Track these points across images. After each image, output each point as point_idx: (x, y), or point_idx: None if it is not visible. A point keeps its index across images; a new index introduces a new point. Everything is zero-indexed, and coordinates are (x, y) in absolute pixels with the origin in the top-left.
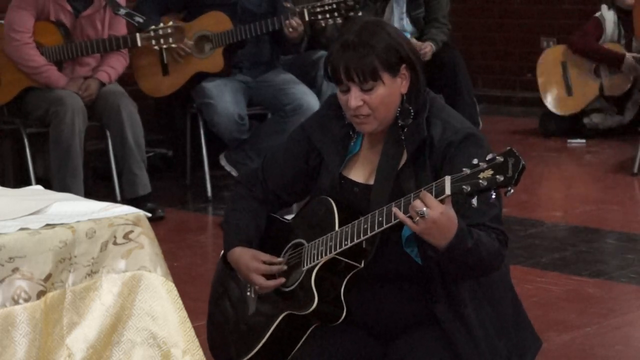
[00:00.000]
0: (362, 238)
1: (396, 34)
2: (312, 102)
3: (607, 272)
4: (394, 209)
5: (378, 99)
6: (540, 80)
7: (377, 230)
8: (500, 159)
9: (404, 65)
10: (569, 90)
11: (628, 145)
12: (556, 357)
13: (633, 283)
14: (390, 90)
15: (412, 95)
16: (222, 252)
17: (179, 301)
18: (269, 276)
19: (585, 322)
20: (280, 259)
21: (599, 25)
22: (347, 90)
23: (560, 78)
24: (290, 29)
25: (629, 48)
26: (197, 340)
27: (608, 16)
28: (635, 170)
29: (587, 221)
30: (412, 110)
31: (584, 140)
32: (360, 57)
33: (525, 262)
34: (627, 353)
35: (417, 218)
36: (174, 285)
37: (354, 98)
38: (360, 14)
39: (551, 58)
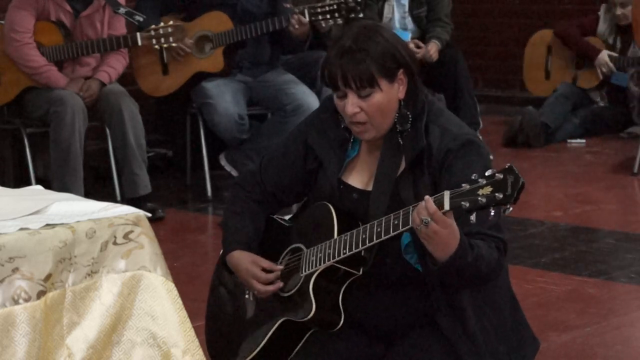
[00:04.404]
0: (360, 248)
1: (393, 39)
2: (312, 102)
3: (607, 272)
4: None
5: (375, 106)
6: (525, 60)
7: (375, 241)
8: (499, 176)
9: (401, 71)
10: (547, 74)
11: (628, 145)
12: (556, 357)
13: (633, 283)
14: (387, 96)
15: (410, 100)
16: (221, 253)
17: (179, 301)
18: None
19: (585, 322)
20: (279, 267)
21: (596, 22)
22: (344, 96)
23: (543, 60)
24: (297, 26)
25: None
26: (197, 340)
27: (604, 17)
28: (635, 170)
29: (587, 221)
30: (410, 116)
31: (583, 140)
32: (357, 63)
33: (525, 262)
34: (627, 353)
35: (421, 225)
36: (174, 285)
37: (351, 104)
38: (361, 15)
39: (539, 40)
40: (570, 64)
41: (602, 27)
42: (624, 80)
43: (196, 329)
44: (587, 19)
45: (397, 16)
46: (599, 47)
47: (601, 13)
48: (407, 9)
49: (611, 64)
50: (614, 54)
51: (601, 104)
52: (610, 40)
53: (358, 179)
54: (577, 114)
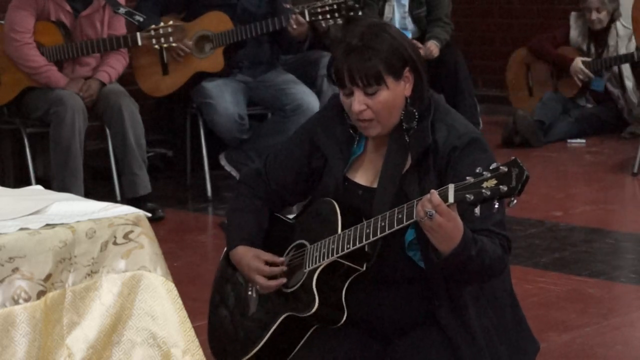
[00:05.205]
0: (364, 242)
1: (399, 36)
2: (312, 102)
3: (607, 272)
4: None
5: (381, 103)
6: (509, 81)
7: (379, 235)
8: (504, 169)
9: (407, 68)
10: (530, 90)
11: (628, 145)
12: (556, 357)
13: (633, 283)
14: (394, 94)
15: (416, 98)
16: (225, 250)
17: (179, 301)
18: (271, 276)
19: (585, 322)
20: (282, 259)
21: (567, 32)
22: (350, 94)
23: (524, 79)
24: (295, 26)
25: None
26: (197, 340)
27: (575, 25)
28: (635, 170)
29: (586, 221)
30: (416, 113)
31: (583, 140)
32: (364, 61)
33: (525, 262)
34: (627, 353)
35: (425, 218)
36: (174, 285)
37: (358, 102)
38: (360, 13)
39: (517, 60)
40: (549, 76)
41: (574, 35)
42: (601, 85)
43: (196, 329)
44: (558, 30)
45: (397, 16)
46: (573, 55)
47: (571, 22)
48: (407, 9)
49: (587, 70)
50: (587, 59)
51: (589, 105)
52: (584, 47)
53: (363, 176)
54: (571, 114)
